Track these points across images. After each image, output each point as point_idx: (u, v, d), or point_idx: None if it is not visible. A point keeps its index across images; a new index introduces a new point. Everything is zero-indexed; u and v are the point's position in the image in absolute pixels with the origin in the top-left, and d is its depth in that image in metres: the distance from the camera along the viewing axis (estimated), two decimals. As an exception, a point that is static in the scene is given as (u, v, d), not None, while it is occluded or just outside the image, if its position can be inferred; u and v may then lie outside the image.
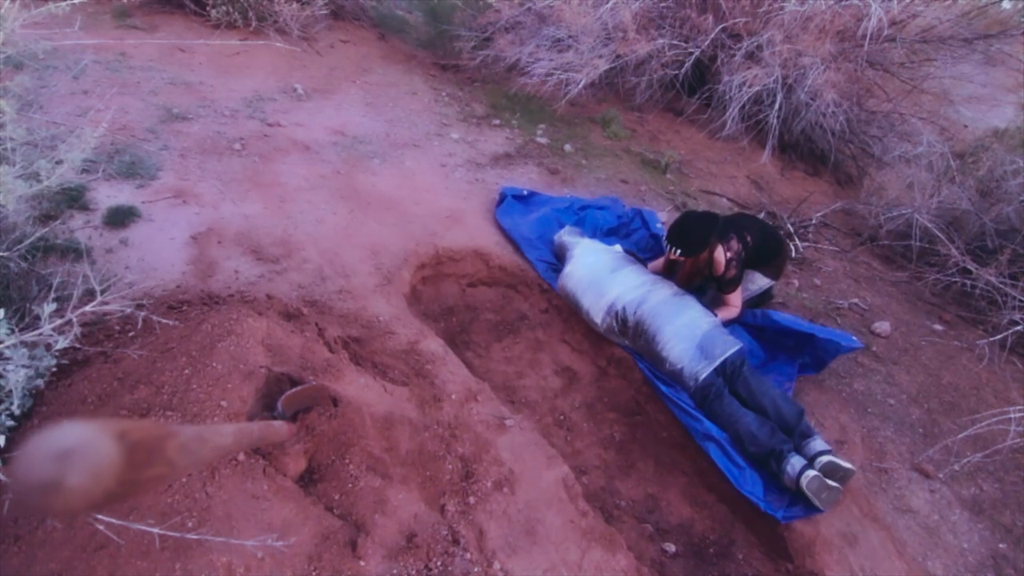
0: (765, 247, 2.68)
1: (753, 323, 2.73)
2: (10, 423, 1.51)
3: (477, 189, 3.44)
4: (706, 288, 2.84)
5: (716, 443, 2.23)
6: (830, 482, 2.07)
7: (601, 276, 2.68)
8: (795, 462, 2.12)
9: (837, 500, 2.10)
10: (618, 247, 2.94)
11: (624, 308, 2.56)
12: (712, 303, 2.70)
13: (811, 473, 2.07)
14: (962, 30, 4.26)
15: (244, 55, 4.26)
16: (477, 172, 3.61)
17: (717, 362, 2.35)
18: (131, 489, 0.61)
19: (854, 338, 2.52)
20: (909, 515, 2.18)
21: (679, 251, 2.58)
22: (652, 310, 2.51)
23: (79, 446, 0.56)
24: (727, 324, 2.65)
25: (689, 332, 2.43)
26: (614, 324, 2.61)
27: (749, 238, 2.60)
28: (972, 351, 2.98)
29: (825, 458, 2.13)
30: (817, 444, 2.20)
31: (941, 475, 2.33)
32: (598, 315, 2.64)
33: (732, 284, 2.62)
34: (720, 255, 2.56)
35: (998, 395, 2.76)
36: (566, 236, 3.00)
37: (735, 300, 2.68)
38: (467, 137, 3.97)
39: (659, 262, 2.92)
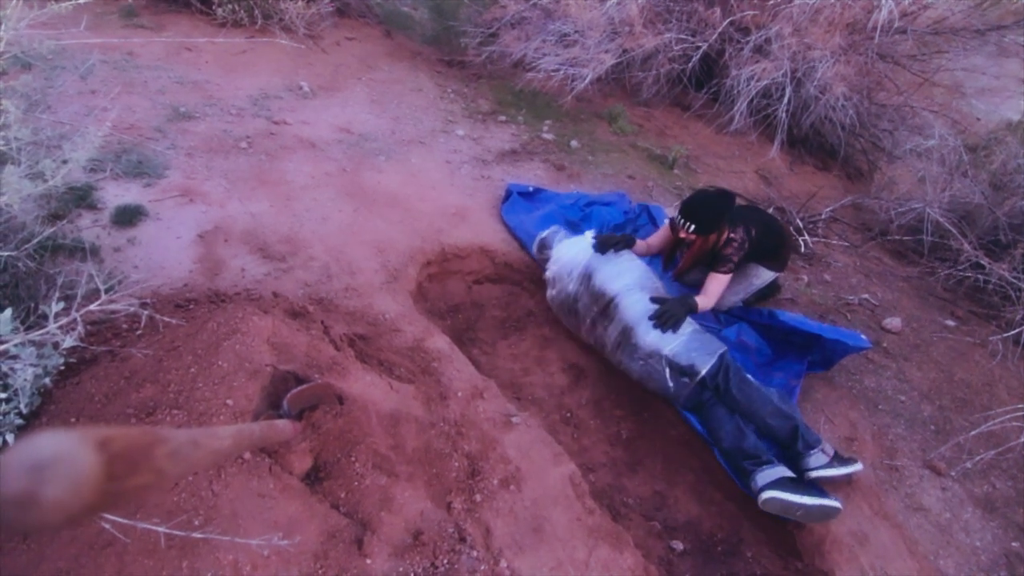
0: (768, 240, 2.64)
1: (760, 321, 2.70)
2: (19, 422, 1.52)
3: (483, 186, 3.43)
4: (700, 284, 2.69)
5: (722, 443, 2.21)
6: (802, 500, 1.97)
7: (568, 304, 2.64)
8: (760, 479, 2.05)
9: (829, 516, 2.00)
10: (588, 235, 2.69)
11: (596, 339, 2.55)
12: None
13: (765, 495, 1.99)
14: (974, 21, 4.19)
15: (250, 53, 4.27)
16: (483, 169, 3.60)
17: (694, 383, 2.26)
18: (114, 500, 0.59)
19: (863, 337, 2.47)
20: (920, 513, 2.16)
21: (692, 227, 2.44)
22: (619, 340, 2.42)
23: (56, 457, 0.54)
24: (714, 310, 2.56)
25: (655, 360, 2.31)
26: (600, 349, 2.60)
27: (753, 231, 2.57)
28: (985, 347, 2.94)
29: (813, 474, 2.08)
30: (811, 460, 2.12)
31: (953, 473, 2.30)
32: (587, 342, 2.65)
33: (725, 262, 2.47)
34: (726, 234, 2.49)
35: (1011, 392, 2.72)
36: (540, 253, 2.90)
37: (716, 286, 2.49)
38: (473, 134, 3.96)
39: (654, 238, 2.78)
